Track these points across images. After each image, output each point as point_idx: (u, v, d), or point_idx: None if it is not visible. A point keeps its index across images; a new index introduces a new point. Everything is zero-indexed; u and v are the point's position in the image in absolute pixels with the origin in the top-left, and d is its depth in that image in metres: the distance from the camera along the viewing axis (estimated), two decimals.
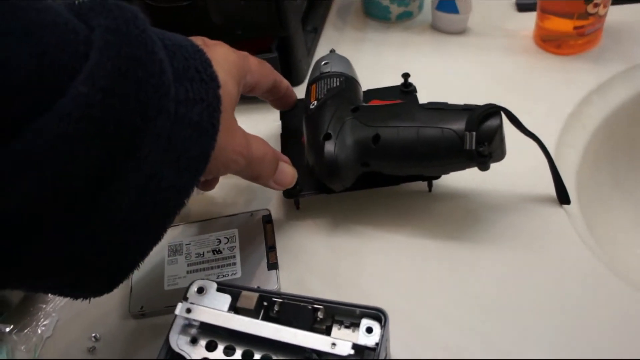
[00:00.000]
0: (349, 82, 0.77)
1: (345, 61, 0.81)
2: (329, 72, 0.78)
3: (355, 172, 0.70)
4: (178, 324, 0.59)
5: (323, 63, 0.80)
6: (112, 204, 0.45)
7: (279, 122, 0.88)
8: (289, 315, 0.58)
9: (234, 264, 0.72)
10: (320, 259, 0.72)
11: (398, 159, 0.68)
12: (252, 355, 0.57)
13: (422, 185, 0.76)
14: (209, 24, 0.90)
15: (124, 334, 0.70)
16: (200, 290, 0.60)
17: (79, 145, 0.42)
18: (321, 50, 1.04)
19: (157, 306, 0.70)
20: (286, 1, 0.86)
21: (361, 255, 0.72)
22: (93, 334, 0.70)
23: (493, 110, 0.65)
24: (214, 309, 0.58)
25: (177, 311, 0.58)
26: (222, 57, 0.58)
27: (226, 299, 0.59)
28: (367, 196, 0.77)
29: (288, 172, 0.68)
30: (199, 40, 0.58)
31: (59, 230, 0.44)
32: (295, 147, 0.80)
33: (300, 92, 0.88)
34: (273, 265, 0.71)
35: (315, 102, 0.74)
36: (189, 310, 0.58)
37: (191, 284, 0.60)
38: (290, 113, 0.85)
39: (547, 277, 0.67)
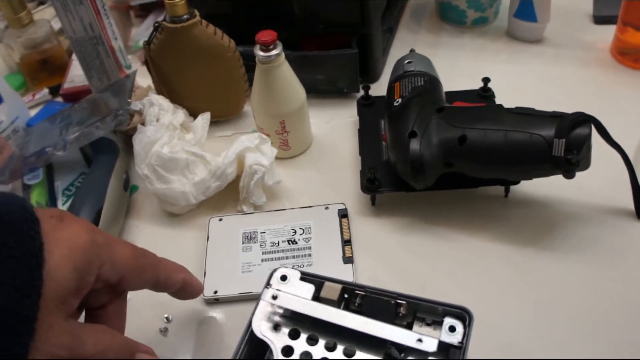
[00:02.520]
0: (433, 82, 0.77)
1: (428, 61, 0.81)
2: (412, 70, 0.78)
3: (438, 172, 0.70)
4: (262, 309, 0.59)
5: (406, 62, 0.80)
6: None
7: (354, 117, 0.88)
8: (371, 309, 0.58)
9: (309, 255, 0.72)
10: (395, 256, 0.72)
11: (483, 161, 0.68)
12: (335, 347, 0.56)
13: (498, 189, 0.75)
14: (291, 16, 0.90)
15: (196, 317, 0.70)
16: (284, 278, 0.60)
17: None
18: (395, 51, 1.04)
19: (231, 292, 0.70)
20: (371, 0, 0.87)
21: (436, 256, 0.72)
22: (165, 315, 0.70)
23: (583, 119, 0.65)
24: (300, 297, 0.58)
25: (263, 297, 0.58)
26: (68, 237, 0.48)
27: (309, 289, 0.59)
28: (443, 197, 0.76)
29: None
30: (53, 211, 0.50)
31: None
32: (373, 143, 0.80)
33: (375, 89, 0.88)
34: (349, 259, 0.71)
35: (400, 100, 0.74)
36: (275, 297, 0.58)
37: (274, 270, 0.61)
38: (369, 109, 0.85)
39: (623, 292, 0.66)
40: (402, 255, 0.72)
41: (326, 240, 0.73)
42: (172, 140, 0.79)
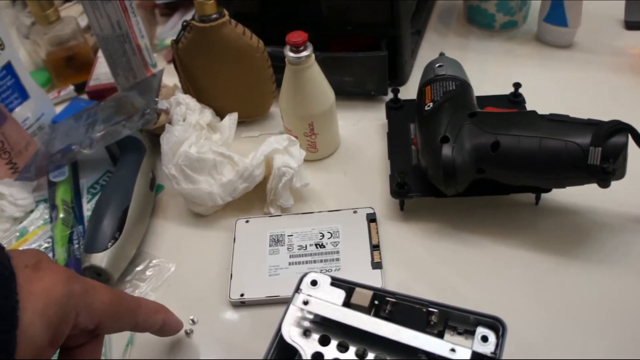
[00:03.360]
0: (464, 86, 0.76)
1: (459, 65, 0.80)
2: (444, 74, 0.77)
3: (469, 178, 0.69)
4: (292, 314, 0.58)
5: (437, 65, 0.79)
6: None
7: (382, 120, 0.88)
8: (402, 316, 0.57)
9: (337, 259, 0.71)
10: (424, 262, 0.71)
11: (516, 168, 0.67)
12: (366, 354, 0.56)
13: (529, 197, 0.74)
14: (319, 17, 0.89)
15: (221, 320, 0.70)
16: (314, 283, 0.59)
17: None
18: (423, 53, 1.03)
19: (258, 295, 0.69)
20: (401, 1, 0.85)
21: (465, 263, 0.71)
22: (191, 317, 0.70)
23: (620, 127, 0.64)
24: (331, 302, 0.57)
25: (294, 302, 0.58)
26: (43, 290, 0.46)
27: (340, 294, 0.58)
28: (472, 203, 0.75)
29: None
30: (29, 258, 0.48)
31: None
32: (402, 147, 0.80)
33: (403, 91, 0.87)
34: (377, 264, 0.70)
35: (431, 104, 0.73)
36: (306, 302, 0.57)
37: (305, 275, 0.60)
38: (398, 112, 0.85)
39: None
40: (431, 261, 0.71)
41: (354, 244, 0.72)
42: (199, 140, 0.79)
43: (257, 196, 0.80)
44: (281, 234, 0.74)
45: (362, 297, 0.58)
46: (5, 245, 0.79)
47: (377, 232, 0.73)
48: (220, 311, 0.70)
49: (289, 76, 0.78)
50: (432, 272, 0.70)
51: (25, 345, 0.43)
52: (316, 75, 0.78)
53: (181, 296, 0.73)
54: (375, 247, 0.72)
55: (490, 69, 0.98)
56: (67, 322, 0.48)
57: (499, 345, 0.53)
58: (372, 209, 0.76)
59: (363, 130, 0.90)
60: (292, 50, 0.76)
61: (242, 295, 0.69)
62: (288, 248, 0.73)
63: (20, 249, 0.49)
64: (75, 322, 0.49)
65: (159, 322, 0.60)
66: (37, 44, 1.10)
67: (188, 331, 0.68)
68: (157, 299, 0.73)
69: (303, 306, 0.57)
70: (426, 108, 0.74)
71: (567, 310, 0.65)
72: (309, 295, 0.58)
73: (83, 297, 0.50)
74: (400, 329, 0.55)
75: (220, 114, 0.89)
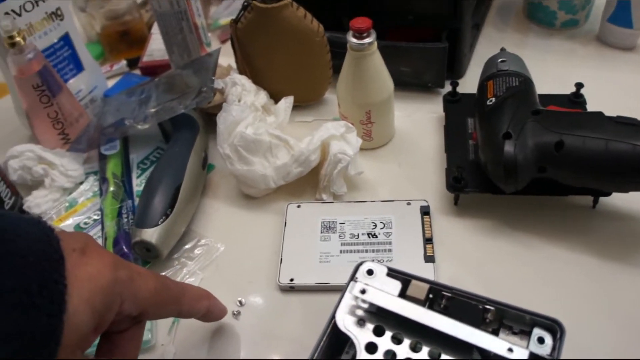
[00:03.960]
0: (527, 83, 0.74)
1: (521, 61, 0.79)
2: (507, 70, 0.75)
3: (530, 176, 0.68)
4: (347, 302, 0.57)
5: (500, 60, 0.78)
6: None
7: (437, 113, 0.87)
8: (457, 312, 0.56)
9: (390, 250, 0.70)
10: (476, 259, 0.70)
11: (579, 169, 0.65)
12: (420, 348, 0.55)
13: (586, 199, 0.73)
14: (381, 5, 0.88)
15: (269, 303, 0.69)
16: (370, 272, 0.58)
17: None
18: (481, 48, 1.01)
19: (308, 281, 0.69)
20: None
21: (518, 262, 0.69)
22: (239, 299, 0.69)
23: None
24: (389, 293, 0.56)
25: (351, 290, 0.57)
26: (90, 276, 0.45)
27: (396, 285, 0.57)
28: (528, 202, 0.74)
29: None
30: (76, 242, 0.47)
31: None
32: (459, 141, 0.78)
33: (459, 86, 0.85)
34: (430, 258, 0.69)
35: (493, 99, 0.72)
36: (363, 291, 0.56)
37: (361, 263, 0.59)
38: (455, 106, 0.83)
39: None
40: (484, 258, 0.70)
41: (407, 236, 0.71)
42: (255, 122, 0.78)
43: (309, 181, 0.79)
44: (333, 221, 0.74)
45: (419, 289, 0.57)
46: (54, 216, 0.81)
47: (431, 226, 0.72)
48: (268, 294, 0.70)
49: (349, 62, 0.77)
50: (485, 270, 0.69)
51: (70, 333, 0.42)
52: (377, 63, 0.77)
53: (229, 277, 0.72)
54: (428, 241, 0.71)
55: (549, 68, 0.96)
56: (111, 309, 0.47)
57: (557, 347, 0.52)
58: (426, 201, 0.75)
59: (418, 122, 0.89)
60: (355, 36, 0.75)
61: (291, 280, 0.69)
62: (340, 235, 0.72)
63: (68, 231, 0.48)
64: (119, 310, 0.48)
65: (203, 309, 0.60)
66: (93, 17, 1.10)
67: (235, 312, 0.68)
68: (204, 278, 0.73)
69: (360, 295, 0.56)
70: (488, 103, 0.72)
71: (621, 316, 0.63)
72: (366, 284, 0.57)
73: (129, 285, 0.49)
74: (457, 324, 0.54)
75: (275, 97, 0.88)
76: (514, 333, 0.56)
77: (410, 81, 0.91)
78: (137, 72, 1.09)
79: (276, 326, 0.67)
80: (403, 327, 0.55)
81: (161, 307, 0.54)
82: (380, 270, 0.58)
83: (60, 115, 0.89)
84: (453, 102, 0.84)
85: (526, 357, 0.51)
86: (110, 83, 1.06)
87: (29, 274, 0.41)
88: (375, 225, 0.73)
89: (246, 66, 0.89)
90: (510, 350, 0.52)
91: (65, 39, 0.93)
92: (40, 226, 0.45)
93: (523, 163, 0.66)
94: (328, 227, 0.73)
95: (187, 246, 0.76)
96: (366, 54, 0.75)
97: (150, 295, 0.51)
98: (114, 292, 0.47)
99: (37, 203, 0.84)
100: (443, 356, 0.54)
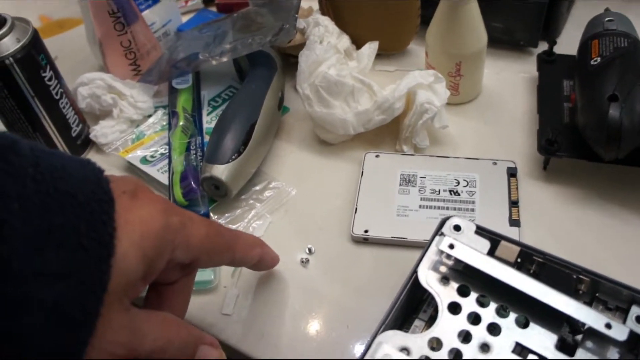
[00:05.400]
0: (636, 45, 0.68)
1: (630, 22, 0.73)
2: (614, 30, 0.70)
3: (633, 144, 0.62)
4: (430, 258, 0.53)
5: (607, 19, 0.72)
6: None
7: (528, 74, 0.82)
8: (547, 280, 0.51)
9: (472, 209, 0.66)
10: (565, 228, 0.65)
11: None
12: (507, 313, 0.51)
13: None
14: None
15: (340, 253, 0.66)
16: (457, 228, 0.54)
17: None
18: (577, 12, 0.94)
19: (384, 234, 0.65)
20: None
21: (610, 236, 0.64)
22: (308, 246, 0.66)
23: None
24: (479, 251, 0.52)
25: (437, 244, 0.53)
26: (140, 220, 0.42)
27: (484, 245, 0.53)
28: (626, 174, 0.68)
29: (211, 357, 0.50)
30: (127, 185, 0.44)
31: None
32: (553, 103, 0.73)
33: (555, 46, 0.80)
34: (515, 222, 0.64)
35: (598, 59, 0.67)
36: (452, 246, 0.52)
37: (447, 218, 0.55)
38: (550, 66, 0.78)
39: None
40: (573, 228, 0.65)
41: (491, 197, 0.67)
42: (338, 64, 0.74)
43: (389, 131, 0.75)
44: (413, 174, 0.70)
45: (508, 251, 0.53)
46: (120, 147, 0.78)
47: (517, 188, 0.68)
48: (340, 245, 0.66)
49: (443, 10, 0.72)
50: (574, 240, 0.64)
51: (118, 279, 0.40)
52: (474, 12, 0.72)
53: (299, 223, 0.69)
54: (514, 204, 0.66)
55: None
56: (162, 256, 0.44)
57: None
58: (514, 162, 0.70)
59: (506, 80, 0.84)
60: None
61: (366, 231, 0.65)
62: (420, 190, 0.68)
63: (118, 175, 0.45)
64: (170, 257, 0.45)
65: (256, 257, 0.57)
66: None
67: (304, 260, 0.65)
68: (273, 222, 0.69)
69: (448, 249, 0.52)
70: (592, 63, 0.67)
71: None
72: (455, 239, 0.53)
73: (181, 231, 0.46)
74: (551, 291, 0.50)
75: (356, 43, 0.84)
76: (608, 309, 0.52)
77: (500, 37, 0.85)
78: (213, 8, 1.06)
79: (345, 278, 0.64)
80: (489, 289, 0.52)
81: (213, 254, 0.51)
82: (468, 227, 0.54)
83: (133, 45, 0.86)
84: (548, 62, 0.79)
85: (625, 336, 0.47)
86: (185, 18, 1.02)
87: (78, 213, 0.38)
88: (458, 183, 0.68)
89: (330, 8, 0.85)
90: (608, 326, 0.47)
91: None
92: (90, 167, 0.43)
93: (629, 128, 0.61)
94: (407, 180, 0.69)
95: (256, 187, 0.73)
96: (463, 2, 0.70)
97: (203, 242, 0.49)
98: (166, 238, 0.44)
99: (103, 133, 0.82)
100: (532, 325, 0.50)
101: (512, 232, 0.63)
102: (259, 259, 0.57)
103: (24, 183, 0.36)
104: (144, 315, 0.44)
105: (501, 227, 0.64)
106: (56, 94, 0.76)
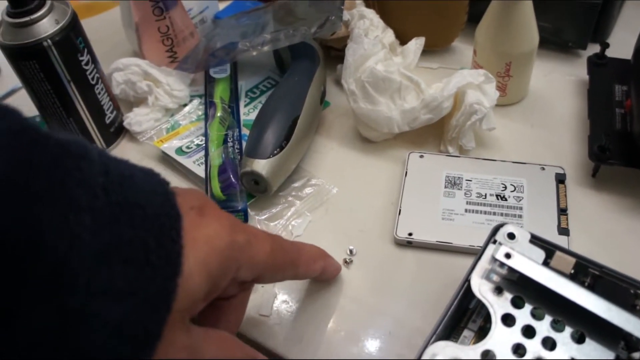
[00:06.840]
0: None
1: None
2: None
3: None
4: (482, 266, 0.51)
5: None
6: None
7: (576, 77, 0.80)
8: (602, 294, 0.49)
9: (520, 216, 0.64)
10: (616, 238, 0.63)
11: None
12: (562, 327, 0.49)
13: None
14: None
15: (383, 256, 0.64)
16: (512, 236, 0.52)
17: None
18: (627, 11, 0.91)
19: (429, 238, 0.63)
20: None
21: None
22: (350, 247, 0.64)
23: None
24: (535, 261, 0.50)
25: (493, 252, 0.51)
26: (206, 239, 0.41)
27: (539, 255, 0.51)
28: None
29: None
30: (194, 200, 0.43)
31: None
32: (604, 108, 0.71)
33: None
34: (564, 230, 0.62)
35: None
36: (508, 255, 0.50)
37: (501, 225, 0.53)
38: (601, 70, 0.76)
39: None
40: (624, 239, 0.63)
41: (539, 203, 0.65)
42: (386, 59, 0.72)
43: (433, 131, 0.73)
44: (459, 177, 0.68)
45: (564, 262, 0.51)
46: (154, 137, 0.76)
47: (566, 195, 0.65)
48: (383, 247, 0.65)
49: (496, 7, 0.70)
50: (625, 252, 0.62)
51: (182, 298, 0.38)
52: (528, 10, 0.70)
53: (340, 223, 0.67)
54: (562, 212, 0.64)
55: None
56: (227, 274, 0.44)
57: None
58: (562, 168, 0.68)
59: (554, 83, 0.81)
60: None
61: (409, 234, 0.63)
62: (465, 193, 0.66)
63: (182, 187, 0.43)
64: (234, 275, 0.45)
65: (319, 270, 0.56)
66: None
67: (348, 260, 0.63)
68: (313, 220, 0.68)
69: (504, 259, 0.50)
70: None
71: None
72: (511, 248, 0.51)
73: (246, 250, 0.45)
74: (611, 306, 0.47)
75: (400, 38, 0.81)
76: None
77: (548, 38, 0.83)
78: None
79: (387, 282, 0.62)
80: (543, 301, 0.50)
81: (277, 270, 0.50)
82: (523, 236, 0.52)
83: (171, 31, 0.85)
84: (600, 66, 0.77)
85: None
86: (222, 5, 1.00)
87: (147, 227, 0.37)
88: (505, 187, 0.66)
89: (375, 0, 0.83)
90: None
91: None
92: (156, 178, 0.41)
93: None
94: (453, 183, 0.67)
95: (295, 184, 0.71)
96: (518, 0, 0.68)
97: (267, 260, 0.47)
98: (231, 257, 0.43)
99: (138, 121, 0.80)
100: (588, 341, 0.48)
101: (561, 241, 0.61)
102: (321, 272, 0.56)
103: (95, 193, 0.35)
104: (202, 334, 0.43)
105: (550, 235, 0.62)
106: (92, 79, 0.74)
